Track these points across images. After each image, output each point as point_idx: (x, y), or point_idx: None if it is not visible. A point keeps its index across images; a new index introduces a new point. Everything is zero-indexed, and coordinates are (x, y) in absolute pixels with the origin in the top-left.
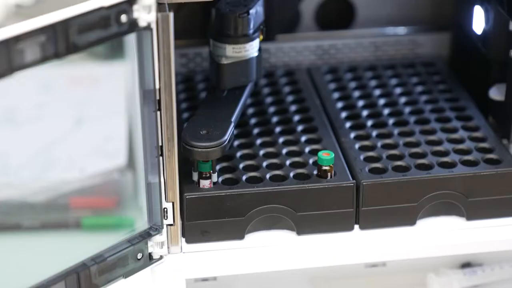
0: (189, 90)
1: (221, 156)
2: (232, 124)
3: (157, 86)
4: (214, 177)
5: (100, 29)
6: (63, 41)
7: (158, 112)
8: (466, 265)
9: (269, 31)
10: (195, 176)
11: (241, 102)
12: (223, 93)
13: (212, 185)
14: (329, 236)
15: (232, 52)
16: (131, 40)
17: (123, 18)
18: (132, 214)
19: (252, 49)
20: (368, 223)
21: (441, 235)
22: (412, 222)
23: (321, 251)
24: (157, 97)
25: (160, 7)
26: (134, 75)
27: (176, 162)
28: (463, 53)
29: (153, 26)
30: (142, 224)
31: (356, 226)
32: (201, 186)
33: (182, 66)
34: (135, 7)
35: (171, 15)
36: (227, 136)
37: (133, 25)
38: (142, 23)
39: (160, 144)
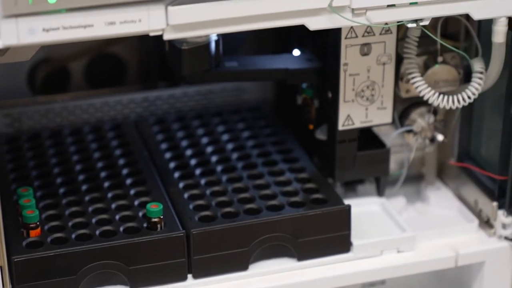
0: (14, 150)
1: None
2: None
3: None
4: None
5: None
6: None
7: None
8: None
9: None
10: None
11: None
12: None
13: None
14: None
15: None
16: None
17: None
18: None
19: None
20: (201, 271)
21: (274, 277)
22: (244, 267)
23: None
24: None
25: None
26: None
27: (1, 224)
28: (287, 96)
29: None
30: None
31: (190, 276)
32: None
33: (7, 126)
34: None
35: None
36: None
37: None
38: None
39: None
